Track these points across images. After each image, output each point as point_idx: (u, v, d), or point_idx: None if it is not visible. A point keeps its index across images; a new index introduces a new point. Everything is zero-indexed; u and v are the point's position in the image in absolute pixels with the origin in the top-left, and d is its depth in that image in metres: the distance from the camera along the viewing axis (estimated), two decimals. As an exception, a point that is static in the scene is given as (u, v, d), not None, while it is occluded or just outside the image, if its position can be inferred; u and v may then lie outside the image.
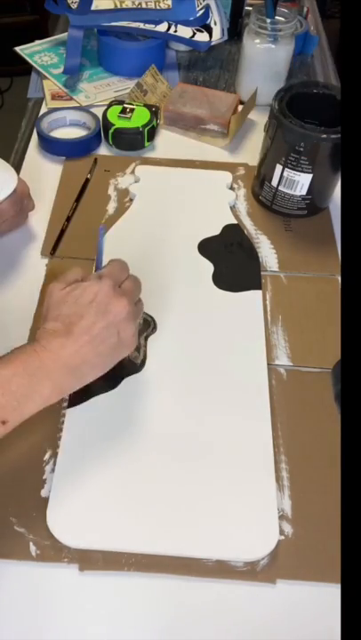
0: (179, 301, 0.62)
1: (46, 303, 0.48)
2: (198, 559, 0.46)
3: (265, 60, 0.84)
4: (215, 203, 0.73)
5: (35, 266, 0.66)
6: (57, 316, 0.46)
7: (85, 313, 0.45)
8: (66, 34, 0.92)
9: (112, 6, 0.91)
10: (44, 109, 0.86)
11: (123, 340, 0.47)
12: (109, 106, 0.80)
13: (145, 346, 0.58)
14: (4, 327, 0.60)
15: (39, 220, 0.70)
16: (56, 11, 0.92)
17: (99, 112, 0.81)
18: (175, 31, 0.92)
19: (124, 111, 0.79)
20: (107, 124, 0.78)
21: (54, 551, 0.46)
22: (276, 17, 0.82)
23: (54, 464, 0.50)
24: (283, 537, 0.47)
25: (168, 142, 0.83)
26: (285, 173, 0.68)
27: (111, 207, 0.72)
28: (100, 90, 0.90)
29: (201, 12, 0.91)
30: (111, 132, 0.78)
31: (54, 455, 0.51)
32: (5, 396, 0.41)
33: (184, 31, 0.93)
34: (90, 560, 0.45)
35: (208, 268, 0.66)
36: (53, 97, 0.88)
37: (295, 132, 0.64)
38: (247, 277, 0.65)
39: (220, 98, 0.86)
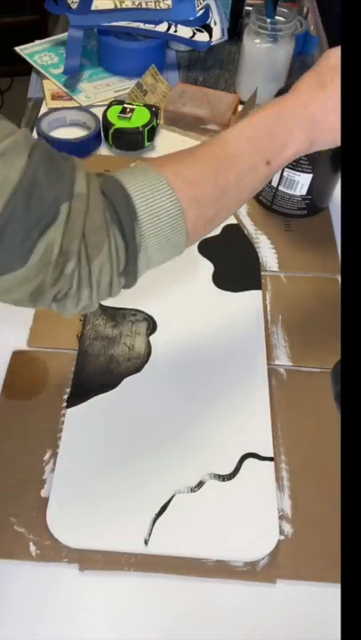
0: (179, 301, 0.62)
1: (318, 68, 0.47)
2: (198, 559, 0.46)
3: (265, 60, 0.84)
4: (215, 203, 0.73)
5: (35, 266, 0.66)
6: (316, 73, 0.46)
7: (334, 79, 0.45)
8: (66, 34, 0.92)
9: (112, 6, 0.91)
10: (44, 109, 0.86)
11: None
12: (109, 106, 0.80)
13: (146, 346, 0.58)
14: (3, 327, 0.60)
15: (39, 220, 0.70)
16: (56, 11, 0.92)
17: (99, 112, 0.81)
18: (175, 31, 0.92)
19: (124, 111, 0.79)
20: (107, 123, 0.78)
21: (54, 551, 0.46)
22: (276, 17, 0.82)
23: (54, 464, 0.50)
24: (283, 537, 0.47)
25: (168, 142, 0.83)
26: (285, 173, 0.68)
27: (111, 207, 0.72)
28: (100, 90, 0.90)
29: (201, 12, 0.91)
30: (111, 132, 0.78)
31: (54, 455, 0.51)
32: (271, 141, 0.43)
33: (184, 31, 0.93)
34: (90, 560, 0.45)
35: (208, 267, 0.66)
36: (53, 97, 0.88)
37: (295, 132, 0.64)
38: (247, 277, 0.65)
39: (220, 98, 0.86)
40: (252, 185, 0.45)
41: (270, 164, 0.44)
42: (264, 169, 0.44)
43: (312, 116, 0.45)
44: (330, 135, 0.46)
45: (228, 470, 0.50)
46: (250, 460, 0.50)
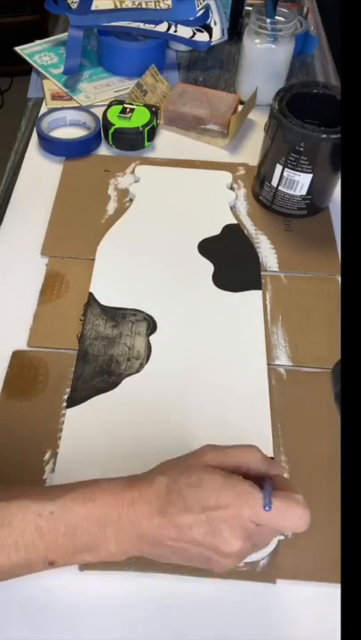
0: (179, 301, 0.62)
1: (186, 458, 0.39)
2: (198, 559, 0.46)
3: (265, 60, 0.84)
4: (215, 203, 0.73)
5: (35, 266, 0.66)
6: (172, 479, 0.37)
7: (192, 514, 0.36)
8: (66, 34, 0.92)
9: (112, 6, 0.91)
10: (43, 109, 0.86)
11: (210, 562, 0.37)
12: (109, 106, 0.80)
13: (146, 346, 0.58)
14: (3, 327, 0.60)
15: (39, 220, 0.70)
16: (56, 11, 0.92)
17: (99, 112, 0.81)
18: (175, 31, 0.92)
19: (124, 111, 0.79)
20: (107, 124, 0.78)
21: (54, 551, 0.46)
22: (276, 17, 0.82)
23: (54, 464, 0.50)
24: (283, 537, 0.47)
25: (168, 142, 0.83)
26: (285, 173, 0.68)
27: (111, 207, 0.72)
28: (100, 90, 0.90)
29: (201, 12, 0.91)
30: (111, 132, 0.78)
31: (54, 455, 0.51)
32: (66, 538, 0.36)
33: (184, 31, 0.93)
34: (90, 560, 0.45)
35: (208, 268, 0.66)
36: (53, 97, 0.88)
37: (295, 131, 0.64)
38: (247, 277, 0.65)
39: (220, 98, 0.86)
40: (10, 576, 0.37)
41: (54, 564, 0.36)
42: (40, 567, 0.37)
43: (138, 535, 0.37)
44: (162, 553, 0.38)
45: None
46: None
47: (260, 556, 0.45)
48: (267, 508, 0.35)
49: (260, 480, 0.38)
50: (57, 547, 0.36)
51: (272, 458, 0.51)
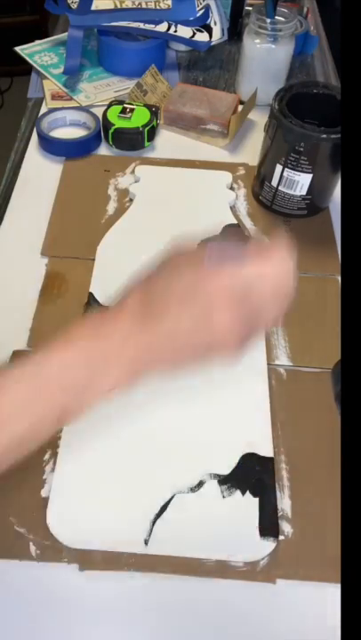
0: (179, 301, 0.62)
1: (159, 270, 0.37)
2: (198, 559, 0.46)
3: (265, 60, 0.84)
4: (215, 203, 0.73)
5: (35, 266, 0.66)
6: (142, 292, 0.36)
7: (173, 315, 0.34)
8: (66, 34, 0.92)
9: (112, 6, 0.91)
10: (44, 109, 0.86)
11: (216, 352, 0.36)
12: (109, 106, 0.80)
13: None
14: (3, 327, 0.60)
15: (39, 220, 0.70)
16: (56, 11, 0.92)
17: (99, 112, 0.81)
18: (175, 31, 0.92)
19: (124, 111, 0.79)
20: (107, 124, 0.78)
21: (54, 551, 0.46)
22: (276, 17, 0.82)
23: (54, 464, 0.50)
24: (283, 537, 0.47)
25: (168, 142, 0.83)
26: (285, 173, 0.68)
27: (111, 207, 0.72)
28: (100, 90, 0.90)
29: (201, 12, 0.91)
30: (111, 132, 0.78)
31: (54, 455, 0.51)
32: (62, 388, 0.34)
33: (184, 31, 0.93)
34: (90, 560, 0.45)
35: (208, 267, 0.66)
36: (53, 97, 0.88)
37: (295, 132, 0.64)
38: (247, 277, 0.65)
39: (220, 98, 0.86)
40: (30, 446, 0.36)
41: (65, 413, 0.35)
42: (56, 424, 0.36)
43: (130, 361, 0.35)
44: (163, 365, 0.36)
45: (228, 470, 0.50)
46: (250, 460, 0.50)
47: (260, 555, 0.45)
48: (206, 262, 0.33)
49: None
50: (60, 402, 0.34)
51: (272, 459, 0.51)
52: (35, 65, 0.94)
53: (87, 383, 0.35)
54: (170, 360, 0.35)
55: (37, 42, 0.99)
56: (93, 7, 0.90)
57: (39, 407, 0.34)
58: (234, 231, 0.34)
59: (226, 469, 0.50)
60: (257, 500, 0.48)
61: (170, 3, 0.91)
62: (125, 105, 0.80)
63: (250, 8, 0.91)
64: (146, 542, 0.46)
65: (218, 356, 0.35)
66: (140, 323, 0.34)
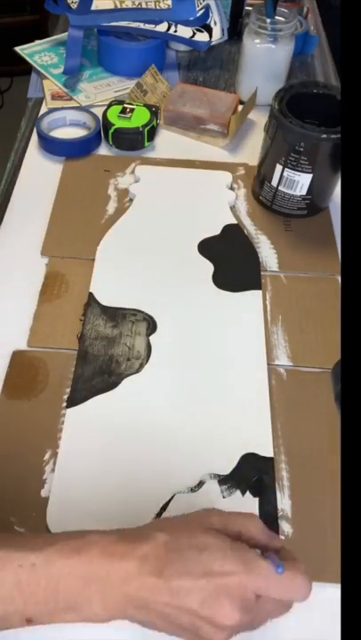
0: (179, 301, 0.62)
1: (188, 516, 0.37)
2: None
3: (265, 60, 0.84)
4: (215, 203, 0.73)
5: (35, 266, 0.66)
6: (173, 537, 0.35)
7: (192, 578, 0.33)
8: (66, 34, 0.92)
9: (112, 6, 0.91)
10: (44, 109, 0.86)
11: (200, 635, 0.34)
12: (109, 106, 0.80)
13: (146, 346, 0.58)
14: (3, 327, 0.60)
15: (39, 220, 0.70)
16: (56, 11, 0.92)
17: (99, 112, 0.81)
18: (175, 31, 0.92)
19: (124, 111, 0.79)
20: (107, 124, 0.78)
21: (54, 551, 0.46)
22: (276, 17, 0.82)
23: (54, 464, 0.50)
24: (283, 537, 0.47)
25: (168, 142, 0.83)
26: (285, 173, 0.68)
27: (111, 207, 0.72)
28: (100, 90, 0.90)
29: (201, 12, 0.91)
30: (111, 131, 0.78)
31: (54, 455, 0.51)
32: (47, 592, 0.33)
33: (184, 31, 0.93)
34: (90, 560, 0.45)
35: (208, 268, 0.66)
36: (53, 97, 0.88)
37: (295, 132, 0.64)
38: (247, 277, 0.65)
39: (220, 98, 0.86)
40: None
41: (31, 621, 0.34)
42: (17, 623, 0.34)
43: (125, 595, 0.34)
44: (150, 620, 0.35)
45: (228, 470, 0.50)
46: (250, 460, 0.50)
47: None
48: (280, 570, 0.34)
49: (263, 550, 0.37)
50: (36, 602, 0.33)
51: (272, 459, 0.51)
52: (35, 65, 0.94)
53: (70, 605, 0.34)
54: (160, 617, 0.34)
55: (37, 42, 0.99)
56: (93, 7, 0.90)
57: (17, 606, 0.33)
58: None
59: (226, 469, 0.50)
60: (257, 499, 0.48)
61: (170, 3, 0.91)
62: (125, 105, 0.80)
63: (250, 8, 0.91)
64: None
65: (201, 636, 0.35)
66: (154, 570, 0.33)
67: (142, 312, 0.61)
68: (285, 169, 0.67)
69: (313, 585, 0.45)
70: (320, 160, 0.65)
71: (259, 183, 0.73)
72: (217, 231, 0.70)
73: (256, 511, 0.48)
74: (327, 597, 0.44)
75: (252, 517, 0.38)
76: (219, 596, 0.33)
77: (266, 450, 0.51)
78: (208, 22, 0.94)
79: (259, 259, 0.67)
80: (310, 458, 0.52)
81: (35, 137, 0.81)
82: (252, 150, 0.80)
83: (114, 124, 0.78)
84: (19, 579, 0.33)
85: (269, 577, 0.34)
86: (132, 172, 0.77)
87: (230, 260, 0.66)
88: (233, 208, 0.73)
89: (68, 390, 0.55)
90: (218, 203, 0.73)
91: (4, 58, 1.30)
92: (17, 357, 0.57)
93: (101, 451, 0.51)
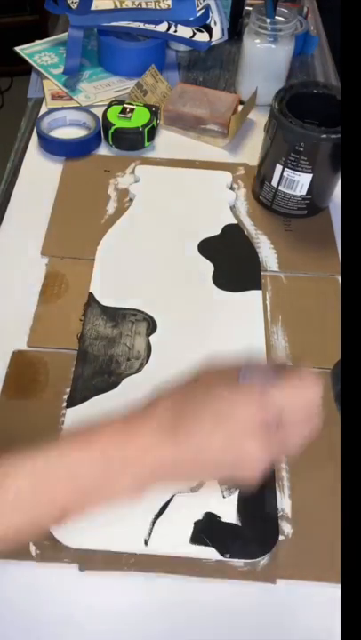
0: (179, 301, 0.62)
1: (190, 382, 0.37)
2: (198, 559, 0.46)
3: (265, 60, 0.84)
4: (215, 203, 0.73)
5: (35, 266, 0.66)
6: (177, 401, 0.36)
7: (206, 432, 0.34)
8: (66, 34, 0.92)
9: (112, 6, 0.91)
10: (44, 109, 0.86)
11: (235, 474, 0.36)
12: (109, 106, 0.80)
13: (146, 346, 0.58)
14: (3, 327, 0.60)
15: (39, 220, 0.70)
16: (56, 11, 0.92)
17: (99, 112, 0.81)
18: (175, 31, 0.92)
19: (124, 111, 0.79)
20: (107, 124, 0.78)
21: (54, 551, 0.46)
22: (276, 17, 0.82)
23: (54, 464, 0.50)
24: (283, 537, 0.47)
25: (168, 142, 0.83)
26: (285, 173, 0.68)
27: (111, 207, 0.72)
28: (100, 90, 0.90)
29: (201, 11, 0.91)
30: (111, 132, 0.78)
31: (54, 455, 0.50)
32: (72, 483, 0.34)
33: (184, 31, 0.93)
34: (90, 560, 0.45)
35: (208, 268, 0.66)
36: (53, 97, 0.88)
37: (295, 132, 0.64)
38: (247, 277, 0.65)
39: (220, 98, 0.86)
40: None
41: (67, 512, 0.34)
42: (57, 516, 0.35)
43: (150, 469, 0.34)
44: (181, 478, 0.36)
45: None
46: (250, 460, 0.50)
47: (260, 555, 0.45)
48: (241, 379, 0.34)
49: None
50: (65, 493, 0.34)
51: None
52: (35, 65, 0.94)
53: (97, 488, 0.34)
54: (189, 475, 0.35)
55: (37, 42, 0.99)
56: (93, 7, 0.90)
57: (42, 505, 0.34)
58: (264, 365, 0.36)
59: (226, 469, 0.50)
60: (257, 499, 0.48)
61: (170, 3, 0.91)
62: (125, 105, 0.80)
63: (250, 8, 0.91)
64: (146, 542, 0.46)
65: (237, 477, 0.35)
66: (168, 434, 0.34)
67: (142, 312, 0.61)
68: (285, 169, 0.67)
69: (313, 585, 0.45)
70: (320, 160, 0.65)
71: (259, 183, 0.73)
72: (217, 231, 0.70)
73: (256, 511, 0.48)
74: (327, 597, 0.44)
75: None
76: (235, 431, 0.33)
77: (266, 450, 0.51)
78: (208, 22, 0.94)
79: (259, 259, 0.67)
80: (310, 458, 0.52)
81: (35, 137, 0.81)
82: (252, 150, 0.80)
83: (114, 124, 0.78)
84: (41, 475, 0.34)
85: (278, 397, 0.34)
86: (132, 171, 0.77)
87: (230, 260, 0.66)
88: (233, 208, 0.73)
89: (68, 390, 0.55)
90: (218, 203, 0.73)
91: (3, 58, 1.29)
92: (17, 357, 0.57)
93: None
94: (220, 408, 0.34)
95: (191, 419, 0.34)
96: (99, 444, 0.34)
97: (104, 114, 0.79)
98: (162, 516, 0.47)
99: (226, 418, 0.33)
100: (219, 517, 0.47)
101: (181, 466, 0.34)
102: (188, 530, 0.46)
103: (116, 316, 0.60)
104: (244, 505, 0.48)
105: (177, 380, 0.37)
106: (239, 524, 0.47)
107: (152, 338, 0.59)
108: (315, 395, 0.35)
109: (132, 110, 0.79)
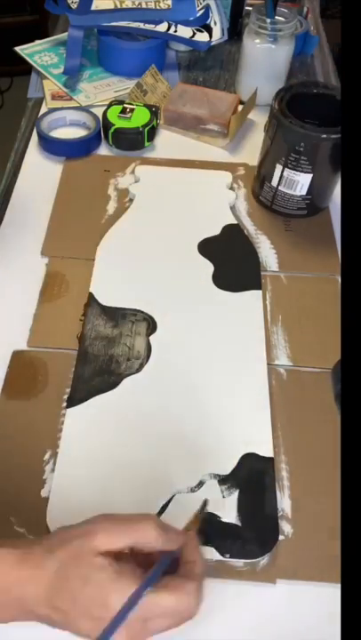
0: (179, 301, 0.62)
1: (78, 538, 0.36)
2: (198, 559, 0.46)
3: (265, 60, 0.84)
4: (215, 203, 0.73)
5: (35, 266, 0.66)
6: (63, 565, 0.36)
7: (78, 610, 0.35)
8: (66, 34, 0.92)
9: (112, 6, 0.91)
10: (44, 109, 0.86)
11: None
12: (109, 106, 0.80)
13: (146, 346, 0.58)
14: (3, 327, 0.60)
15: (39, 220, 0.70)
16: (56, 11, 0.92)
17: (99, 112, 0.81)
18: (175, 31, 0.92)
19: (124, 111, 0.79)
20: (107, 124, 0.78)
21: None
22: (276, 17, 0.82)
23: (54, 464, 0.50)
24: (283, 537, 0.47)
25: (168, 142, 0.83)
26: (285, 173, 0.68)
27: (111, 207, 0.72)
28: (100, 90, 0.90)
29: (201, 12, 0.91)
30: (111, 131, 0.78)
31: (54, 455, 0.51)
32: None
33: (184, 31, 0.93)
34: (90, 560, 0.45)
35: (208, 267, 0.66)
36: (53, 97, 0.88)
37: (295, 131, 0.64)
38: (247, 277, 0.65)
39: (220, 98, 0.86)
40: None
41: None
42: None
43: (27, 613, 0.36)
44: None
45: (228, 470, 0.50)
46: (250, 460, 0.51)
47: (260, 555, 0.45)
48: (107, 635, 0.33)
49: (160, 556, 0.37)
50: None
51: (272, 459, 0.51)
52: (35, 65, 0.94)
53: None
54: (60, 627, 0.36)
55: (37, 42, 0.99)
56: (93, 7, 0.90)
57: None
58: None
59: (226, 469, 0.50)
60: (257, 499, 0.48)
61: (170, 3, 0.91)
62: (125, 105, 0.80)
63: (250, 8, 0.91)
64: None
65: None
66: (47, 594, 0.35)
67: (142, 312, 0.61)
68: (285, 169, 0.67)
69: (313, 585, 0.45)
70: (320, 160, 0.65)
71: (259, 183, 0.73)
72: (217, 231, 0.70)
73: (256, 511, 0.48)
74: (327, 597, 0.44)
75: (144, 524, 0.37)
76: (101, 625, 0.34)
77: (266, 450, 0.51)
78: (208, 22, 0.94)
79: (259, 259, 0.67)
80: (310, 458, 0.52)
81: (35, 137, 0.81)
82: (252, 150, 0.80)
83: (114, 124, 0.78)
84: None
85: (150, 611, 0.34)
86: (132, 172, 0.77)
87: (230, 260, 0.66)
88: (233, 208, 0.73)
89: (68, 390, 0.55)
90: (218, 203, 0.73)
91: (4, 58, 1.29)
92: (17, 357, 0.57)
93: (101, 451, 0.51)
94: (92, 602, 0.34)
95: (68, 593, 0.35)
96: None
97: (104, 114, 0.79)
98: (162, 516, 0.47)
99: (98, 606, 0.34)
100: (219, 517, 0.47)
101: (54, 623, 0.36)
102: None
103: (116, 315, 0.60)
104: (244, 505, 0.48)
105: (71, 529, 0.37)
106: (239, 524, 0.47)
107: (152, 338, 0.59)
108: (189, 608, 0.36)
109: (132, 110, 0.79)
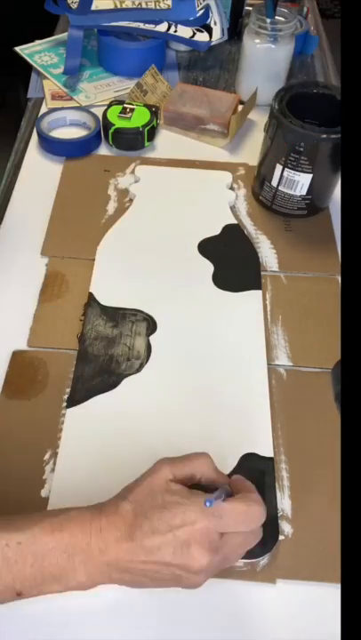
0: (179, 301, 0.62)
1: (146, 479, 0.40)
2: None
3: (265, 60, 0.84)
4: (215, 203, 0.73)
5: (35, 266, 0.66)
6: (138, 503, 0.39)
7: (160, 534, 0.37)
8: (66, 34, 0.92)
9: (112, 6, 0.91)
10: (44, 109, 0.86)
11: (181, 581, 0.39)
12: (109, 106, 0.80)
13: (146, 346, 0.58)
14: (3, 327, 0.60)
15: (39, 220, 0.70)
16: (56, 11, 0.92)
17: (99, 112, 0.81)
18: (175, 31, 0.92)
19: (124, 111, 0.79)
20: (107, 124, 0.78)
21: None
22: (276, 17, 0.82)
23: (54, 464, 0.50)
24: (283, 537, 0.47)
25: (168, 142, 0.83)
26: (285, 173, 0.68)
27: (111, 207, 0.73)
28: (100, 90, 0.90)
29: (201, 11, 0.91)
30: (111, 131, 0.78)
31: (54, 455, 0.51)
32: (33, 568, 0.36)
33: (184, 31, 0.93)
34: (90, 560, 0.45)
35: (208, 267, 0.66)
36: (53, 97, 0.88)
37: (295, 132, 0.64)
38: (247, 277, 0.65)
39: (220, 98, 0.86)
40: None
41: (22, 595, 0.37)
42: (8, 598, 0.37)
43: (107, 563, 0.37)
44: (133, 577, 0.39)
45: (228, 470, 0.50)
46: (250, 460, 0.51)
47: (260, 555, 0.45)
48: (207, 504, 0.37)
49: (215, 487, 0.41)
50: (24, 577, 0.36)
51: (272, 459, 0.51)
52: (35, 65, 0.94)
53: (55, 578, 0.37)
54: (141, 576, 0.38)
55: (37, 42, 0.99)
56: (93, 7, 0.90)
57: (9, 576, 0.36)
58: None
59: (226, 469, 0.50)
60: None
61: (170, 3, 0.92)
62: (125, 105, 0.80)
63: (250, 8, 0.91)
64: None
65: (183, 582, 0.39)
66: (127, 532, 0.37)
67: (142, 312, 0.61)
68: (285, 169, 0.67)
69: (313, 585, 0.45)
70: (320, 160, 0.65)
71: (259, 183, 0.73)
72: (217, 231, 0.70)
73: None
74: (327, 597, 0.44)
75: (201, 457, 0.42)
76: (186, 544, 0.37)
77: (266, 450, 0.51)
78: (208, 22, 0.94)
79: (259, 259, 0.67)
80: (310, 458, 0.52)
81: (35, 137, 0.81)
82: (252, 150, 0.80)
83: (114, 124, 0.78)
84: (7, 556, 0.36)
85: (225, 515, 0.38)
86: (132, 171, 0.77)
87: (230, 260, 0.66)
88: (233, 208, 0.73)
89: (68, 390, 0.55)
90: (218, 203, 0.73)
91: (4, 58, 1.29)
92: (17, 357, 0.57)
93: (101, 450, 0.51)
94: (176, 516, 0.37)
95: (148, 524, 0.37)
96: (67, 534, 0.37)
97: (104, 114, 0.79)
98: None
99: (179, 526, 0.37)
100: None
101: (135, 565, 0.37)
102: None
103: (116, 315, 0.60)
104: (244, 505, 0.48)
105: (139, 479, 0.41)
106: (239, 523, 0.47)
107: (152, 338, 0.59)
108: (258, 513, 0.39)
109: (132, 110, 0.79)
